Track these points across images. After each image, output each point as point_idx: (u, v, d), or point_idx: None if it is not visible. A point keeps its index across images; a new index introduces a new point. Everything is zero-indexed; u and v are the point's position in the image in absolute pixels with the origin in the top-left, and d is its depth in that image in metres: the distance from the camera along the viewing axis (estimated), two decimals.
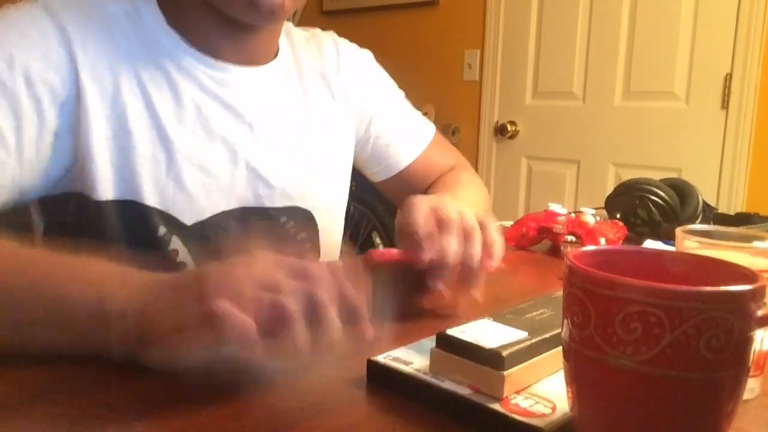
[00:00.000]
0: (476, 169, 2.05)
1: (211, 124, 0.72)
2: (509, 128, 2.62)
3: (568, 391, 0.37)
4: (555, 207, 0.96)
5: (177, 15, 0.71)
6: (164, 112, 0.69)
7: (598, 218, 0.94)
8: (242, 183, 0.75)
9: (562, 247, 0.95)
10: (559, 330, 0.38)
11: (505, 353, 0.42)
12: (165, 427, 0.40)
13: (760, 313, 0.31)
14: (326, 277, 0.45)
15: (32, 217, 0.73)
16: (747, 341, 0.32)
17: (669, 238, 0.90)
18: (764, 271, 0.41)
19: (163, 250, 0.70)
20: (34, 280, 0.49)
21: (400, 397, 0.45)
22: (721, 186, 2.16)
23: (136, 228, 0.69)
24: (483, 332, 0.45)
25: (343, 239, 0.91)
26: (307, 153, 0.81)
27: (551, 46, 2.50)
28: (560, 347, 0.37)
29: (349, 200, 0.91)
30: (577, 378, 0.35)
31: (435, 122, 1.14)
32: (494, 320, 0.48)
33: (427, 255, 0.59)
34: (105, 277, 0.49)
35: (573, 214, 0.96)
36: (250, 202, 0.76)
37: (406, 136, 0.94)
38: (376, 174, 0.96)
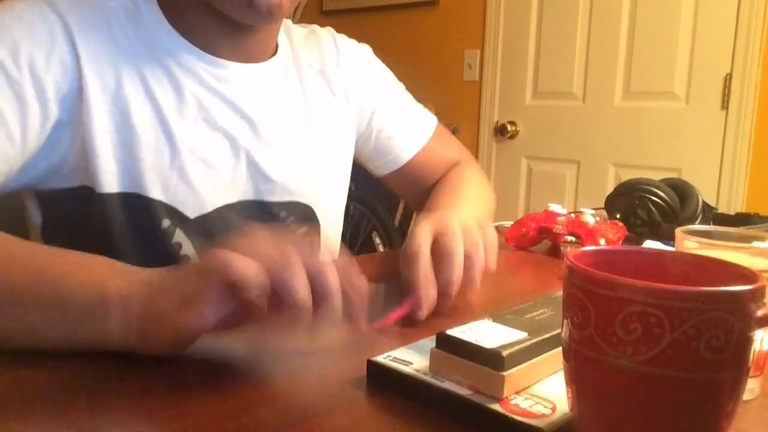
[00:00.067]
0: None
1: (212, 117, 0.72)
2: (509, 128, 2.62)
3: (568, 392, 0.37)
4: (555, 207, 0.96)
5: (176, 13, 0.72)
6: (166, 106, 0.70)
7: (598, 218, 0.94)
8: (243, 177, 0.75)
9: (562, 248, 0.95)
10: (559, 330, 0.38)
11: (505, 353, 0.42)
12: (165, 426, 0.40)
13: (760, 313, 0.31)
14: (330, 263, 0.46)
15: (30, 213, 0.73)
16: (747, 341, 0.32)
17: (669, 239, 0.90)
18: (764, 271, 0.41)
19: (167, 242, 0.71)
20: (33, 273, 0.49)
21: (400, 398, 0.45)
22: (721, 186, 2.16)
23: (139, 220, 0.69)
24: (483, 332, 0.45)
25: (343, 239, 0.91)
26: (307, 149, 0.81)
27: (551, 46, 2.50)
28: (560, 347, 0.37)
29: (349, 200, 0.91)
30: (577, 378, 0.35)
31: None
32: (494, 320, 0.48)
33: (425, 313, 0.59)
34: (105, 269, 0.50)
35: (573, 215, 0.96)
36: (251, 197, 0.76)
37: (408, 128, 0.94)
38: (380, 168, 0.96)
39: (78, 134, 0.66)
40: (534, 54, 2.56)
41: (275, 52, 0.81)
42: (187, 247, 0.72)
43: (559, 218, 0.94)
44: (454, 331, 0.45)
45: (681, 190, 1.04)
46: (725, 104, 2.13)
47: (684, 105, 2.22)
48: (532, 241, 0.96)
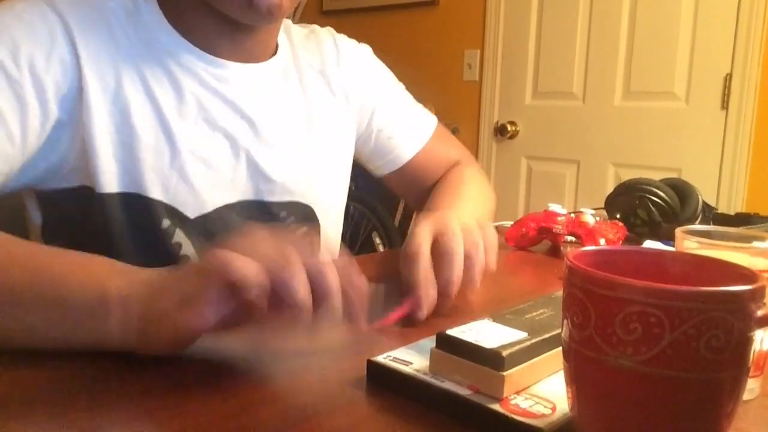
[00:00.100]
0: None
1: (212, 117, 0.73)
2: (509, 128, 2.62)
3: (568, 392, 0.37)
4: (555, 207, 0.96)
5: (176, 13, 0.72)
6: (166, 106, 0.70)
7: (598, 218, 0.94)
8: (243, 177, 0.75)
9: (562, 248, 0.95)
10: (559, 330, 0.38)
11: (505, 353, 0.42)
12: (165, 426, 0.40)
13: (760, 313, 0.31)
14: (330, 263, 0.46)
15: (30, 213, 0.73)
16: (747, 341, 0.32)
17: (669, 239, 0.90)
18: (764, 271, 0.41)
19: (167, 242, 0.71)
20: (33, 273, 0.49)
21: (400, 398, 0.45)
22: (721, 186, 2.16)
23: (139, 220, 0.69)
24: (483, 332, 0.45)
25: (343, 239, 0.91)
26: (307, 149, 0.81)
27: (551, 46, 2.50)
28: (560, 347, 0.37)
29: (349, 200, 0.91)
30: (577, 378, 0.35)
31: None
32: (494, 320, 0.48)
33: (424, 313, 0.59)
34: (105, 269, 0.50)
35: (573, 215, 0.96)
36: (251, 197, 0.77)
37: (408, 128, 0.94)
38: (380, 167, 0.96)
39: (78, 134, 0.66)
40: (534, 54, 2.56)
41: (275, 52, 0.81)
42: (187, 247, 0.72)
43: (559, 218, 0.94)
44: (454, 331, 0.45)
45: (681, 190, 1.04)
46: (725, 104, 2.13)
47: (684, 105, 2.22)
48: (532, 241, 0.96)
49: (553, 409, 0.41)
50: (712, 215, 1.07)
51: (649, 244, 0.93)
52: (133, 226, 0.69)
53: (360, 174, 0.97)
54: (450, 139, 1.01)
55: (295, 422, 0.41)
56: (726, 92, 2.12)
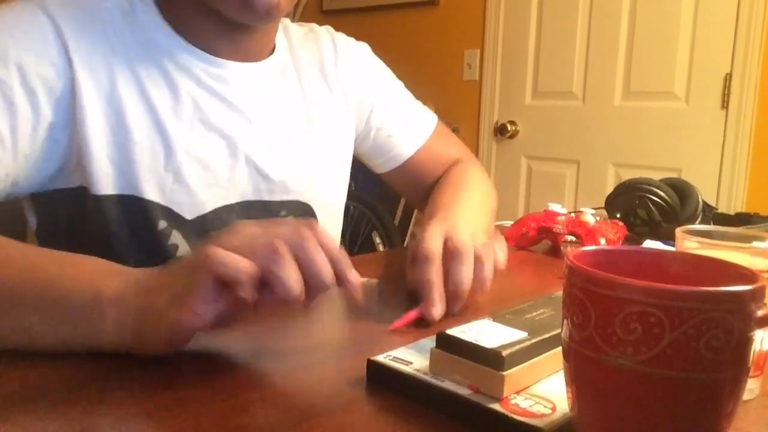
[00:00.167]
0: None
1: (209, 118, 0.72)
2: (509, 128, 2.62)
3: (568, 392, 0.37)
4: (555, 207, 0.96)
5: (173, 13, 0.71)
6: (161, 107, 0.69)
7: (598, 218, 0.94)
8: (242, 177, 0.75)
9: (562, 247, 0.95)
10: (559, 330, 0.38)
11: (505, 353, 0.42)
12: (165, 426, 0.40)
13: (760, 313, 0.31)
14: (314, 240, 0.47)
15: (25, 214, 0.73)
16: (747, 341, 0.32)
17: (669, 238, 0.90)
18: (764, 271, 0.41)
19: (163, 244, 0.70)
20: (30, 273, 0.49)
21: (400, 397, 0.45)
22: (721, 186, 2.16)
23: (136, 222, 0.69)
24: (483, 332, 0.45)
25: (343, 239, 0.91)
26: (306, 148, 0.81)
27: (551, 46, 2.50)
28: (560, 347, 0.37)
29: (348, 200, 0.91)
30: (577, 378, 0.35)
31: None
32: (494, 320, 0.48)
33: (439, 314, 0.59)
34: (99, 270, 0.50)
35: (573, 214, 0.96)
36: (250, 196, 0.76)
37: (407, 126, 0.94)
38: (380, 165, 0.96)
39: (74, 137, 0.66)
40: (534, 54, 2.56)
41: (273, 51, 0.81)
42: (184, 249, 0.72)
43: (559, 218, 0.94)
44: (454, 331, 0.45)
45: (681, 190, 1.04)
46: (725, 104, 2.13)
47: (684, 105, 2.22)
48: (532, 241, 0.96)
49: (553, 409, 0.41)
50: (712, 215, 1.07)
51: (649, 244, 0.93)
52: (129, 228, 0.69)
53: (360, 173, 0.97)
54: (450, 136, 1.01)
55: (295, 422, 0.41)
56: (726, 92, 2.12)
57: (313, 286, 0.46)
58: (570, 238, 0.95)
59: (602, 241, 0.90)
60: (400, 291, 0.68)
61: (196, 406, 0.42)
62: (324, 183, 0.84)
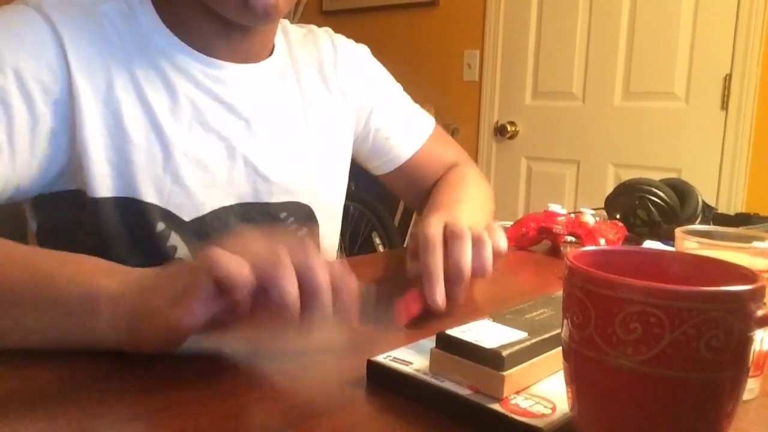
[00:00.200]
0: None
1: (207, 120, 0.72)
2: (509, 128, 2.62)
3: (568, 392, 0.37)
4: (555, 207, 0.96)
5: (171, 14, 0.71)
6: (159, 109, 0.69)
7: (597, 218, 0.94)
8: (240, 178, 0.75)
9: (562, 248, 0.95)
10: (559, 330, 0.38)
11: (505, 353, 0.42)
12: (165, 426, 0.40)
13: (759, 313, 0.31)
14: (322, 261, 0.46)
15: (26, 216, 0.73)
16: (747, 341, 0.32)
17: (669, 239, 0.90)
18: (764, 271, 0.41)
19: (162, 246, 0.70)
20: (30, 273, 0.50)
21: (400, 397, 0.45)
22: (720, 186, 2.16)
23: (134, 224, 0.69)
24: (483, 332, 0.45)
25: (342, 239, 0.91)
26: (305, 150, 0.81)
27: (551, 46, 2.50)
28: (560, 347, 0.37)
29: (348, 200, 0.91)
30: (577, 378, 0.35)
31: None
32: (494, 320, 0.48)
33: (442, 297, 0.59)
34: (97, 269, 0.50)
35: (573, 215, 0.96)
36: (249, 198, 0.76)
37: (406, 129, 0.94)
38: (378, 167, 0.96)
39: (74, 140, 0.66)
40: (534, 54, 2.56)
41: (272, 53, 0.81)
42: (183, 250, 0.71)
43: (559, 218, 0.94)
44: (454, 331, 0.45)
45: (681, 190, 1.04)
46: (725, 104, 2.13)
47: (684, 105, 2.22)
48: (532, 241, 0.96)
49: (553, 409, 0.41)
50: (712, 215, 1.07)
51: (649, 244, 0.93)
52: (127, 230, 0.69)
53: (359, 174, 0.97)
54: (448, 140, 1.01)
55: (295, 422, 0.41)
56: (726, 92, 2.12)
57: (310, 299, 0.45)
58: (570, 238, 0.95)
59: (602, 241, 0.90)
60: (399, 292, 0.68)
61: (196, 406, 0.42)
62: (323, 184, 0.84)
